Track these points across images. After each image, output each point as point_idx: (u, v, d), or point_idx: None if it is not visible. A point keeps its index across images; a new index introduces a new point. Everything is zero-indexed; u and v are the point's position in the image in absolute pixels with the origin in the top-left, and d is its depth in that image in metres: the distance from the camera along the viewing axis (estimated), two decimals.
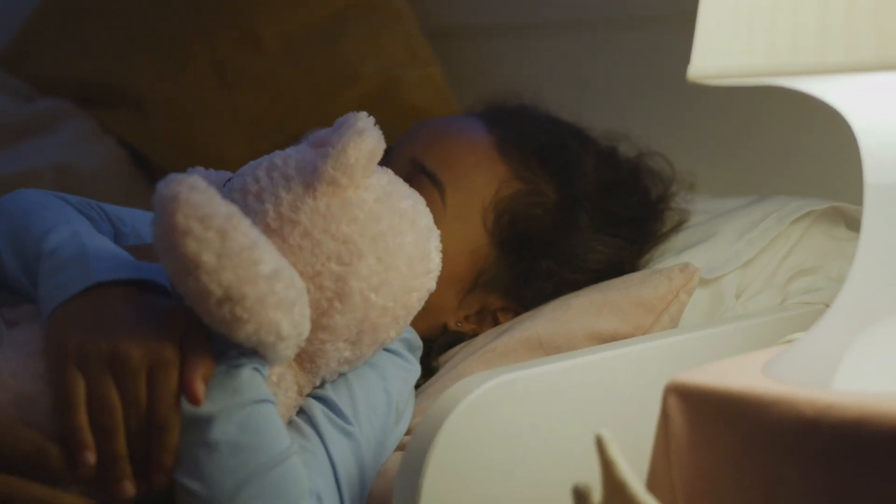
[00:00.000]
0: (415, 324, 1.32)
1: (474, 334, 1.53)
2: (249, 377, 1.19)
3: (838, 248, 1.57)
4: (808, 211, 1.57)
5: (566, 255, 1.52)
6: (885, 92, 1.06)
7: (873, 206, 1.10)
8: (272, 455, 1.17)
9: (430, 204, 1.29)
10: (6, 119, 2.03)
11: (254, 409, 1.18)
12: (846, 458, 0.99)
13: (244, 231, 1.12)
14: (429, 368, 1.47)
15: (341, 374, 1.28)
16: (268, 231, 1.19)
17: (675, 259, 1.54)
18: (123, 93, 2.08)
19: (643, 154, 1.64)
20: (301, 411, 1.26)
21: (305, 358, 1.24)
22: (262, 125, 2.05)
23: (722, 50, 1.06)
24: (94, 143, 2.03)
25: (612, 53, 2.03)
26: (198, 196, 1.11)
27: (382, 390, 1.30)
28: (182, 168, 1.33)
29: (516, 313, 1.52)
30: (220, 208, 1.12)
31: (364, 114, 1.21)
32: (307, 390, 1.27)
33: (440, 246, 1.28)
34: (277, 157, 1.24)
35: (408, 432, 1.33)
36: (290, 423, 1.25)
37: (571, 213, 1.53)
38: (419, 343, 1.40)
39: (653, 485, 1.12)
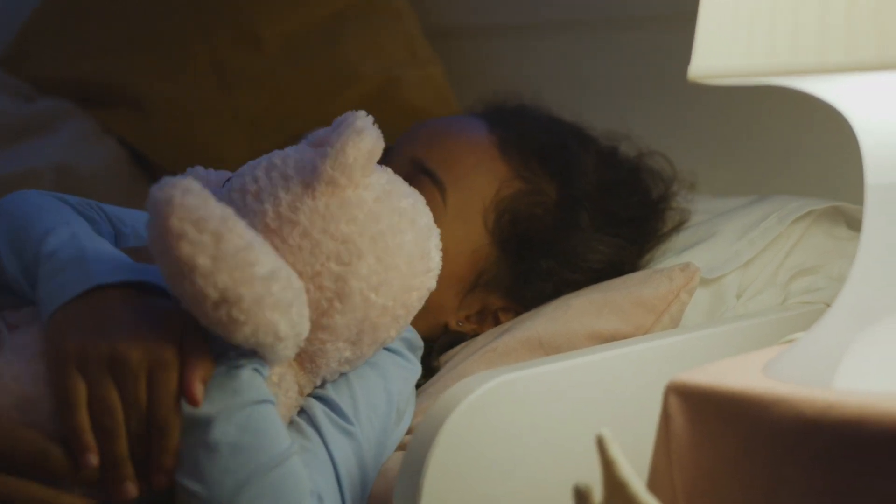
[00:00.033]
0: (416, 323, 1.32)
1: (475, 334, 1.53)
2: (249, 378, 1.19)
3: (839, 248, 1.57)
4: (808, 210, 1.57)
5: (567, 255, 1.52)
6: (885, 91, 1.06)
7: (874, 206, 1.10)
8: (272, 455, 1.17)
9: (430, 203, 1.29)
10: (6, 119, 2.03)
11: (254, 410, 1.18)
12: (847, 457, 0.99)
13: (239, 233, 1.12)
14: (430, 368, 1.47)
15: (342, 374, 1.28)
16: (267, 231, 1.19)
17: (675, 259, 1.54)
18: (123, 93, 2.08)
19: (644, 154, 1.64)
20: (302, 411, 1.26)
21: (306, 358, 1.24)
22: (262, 125, 2.05)
23: (722, 50, 1.06)
24: (94, 143, 2.03)
25: (612, 53, 2.03)
26: (192, 199, 1.11)
27: (383, 390, 1.30)
28: (182, 168, 1.33)
29: (517, 313, 1.52)
30: (215, 211, 1.12)
31: (363, 113, 1.21)
32: (308, 390, 1.26)
33: (440, 244, 1.28)
34: (276, 156, 1.23)
35: (409, 432, 1.33)
36: (290, 423, 1.25)
37: (572, 212, 1.53)
38: (420, 343, 1.40)
39: (654, 484, 1.12)
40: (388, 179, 1.25)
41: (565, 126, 1.62)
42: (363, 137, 1.19)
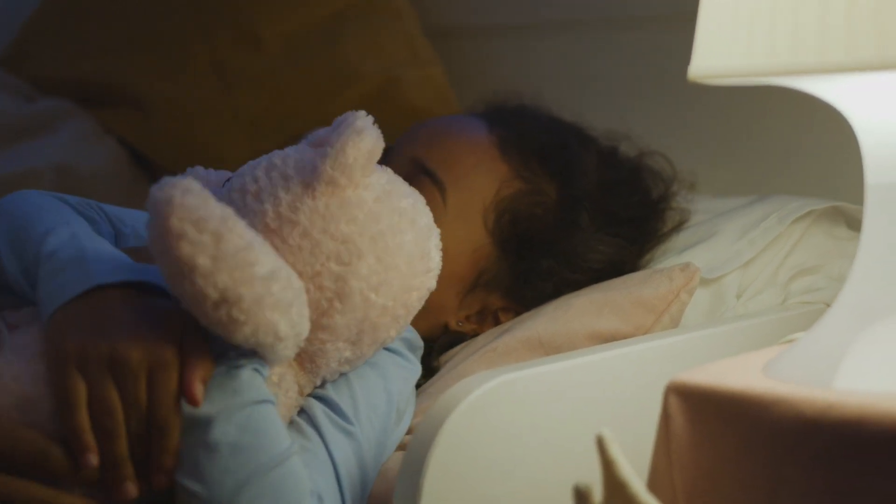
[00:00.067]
0: (416, 323, 1.32)
1: (475, 334, 1.53)
2: (249, 378, 1.18)
3: (839, 248, 1.57)
4: (808, 210, 1.57)
5: (567, 255, 1.52)
6: (885, 91, 1.06)
7: (874, 206, 1.10)
8: (272, 456, 1.17)
9: (430, 203, 1.29)
10: (6, 119, 2.03)
11: (254, 410, 1.18)
12: (847, 457, 0.99)
13: (239, 233, 1.12)
14: (430, 368, 1.47)
15: (342, 374, 1.28)
16: (267, 231, 1.19)
17: (675, 259, 1.54)
18: (124, 93, 2.08)
19: (644, 154, 1.64)
20: (302, 411, 1.26)
21: (306, 358, 1.24)
22: (263, 125, 2.05)
23: (722, 50, 1.06)
24: (94, 143, 2.03)
25: (612, 53, 2.03)
26: (192, 199, 1.11)
27: (383, 390, 1.30)
28: (182, 168, 1.33)
29: (517, 313, 1.52)
30: (215, 211, 1.12)
31: (363, 113, 1.21)
32: (308, 390, 1.26)
33: (440, 244, 1.28)
34: (276, 156, 1.23)
35: (409, 432, 1.33)
36: (290, 423, 1.25)
37: (572, 212, 1.53)
38: (420, 343, 1.40)
39: (654, 484, 1.12)
40: (388, 179, 1.25)
41: (565, 126, 1.62)
42: (363, 137, 1.19)
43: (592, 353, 1.31)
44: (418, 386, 1.41)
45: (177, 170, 1.33)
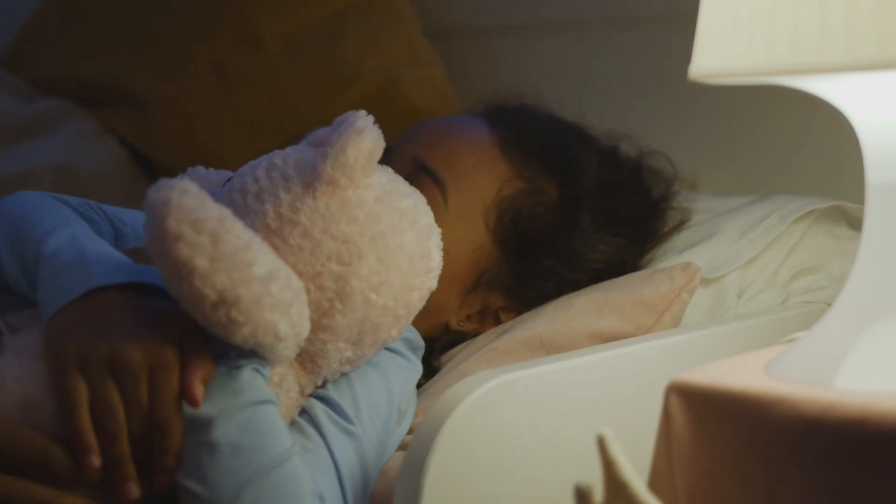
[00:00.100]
0: (416, 323, 1.32)
1: (476, 334, 1.53)
2: (250, 378, 1.18)
3: (840, 248, 1.57)
4: (809, 210, 1.57)
5: (568, 255, 1.52)
6: (885, 90, 1.06)
7: (875, 205, 1.10)
8: (273, 456, 1.17)
9: (431, 203, 1.29)
10: (7, 119, 2.03)
11: (254, 411, 1.18)
12: (848, 457, 0.99)
13: (237, 233, 1.12)
14: (431, 368, 1.47)
15: (343, 374, 1.28)
16: (267, 231, 1.19)
17: (676, 258, 1.54)
18: (124, 93, 2.08)
19: (644, 153, 1.64)
20: (303, 411, 1.26)
21: (307, 358, 1.24)
22: (263, 125, 2.05)
23: (723, 49, 1.06)
24: (94, 143, 2.03)
25: (613, 53, 2.03)
26: (189, 200, 1.11)
27: (384, 390, 1.30)
28: (183, 167, 1.33)
29: (518, 313, 1.52)
30: (212, 212, 1.11)
31: (363, 112, 1.21)
32: (309, 390, 1.26)
33: (441, 244, 1.28)
34: (277, 156, 1.23)
35: (410, 432, 1.33)
36: (292, 423, 1.25)
37: (573, 212, 1.53)
38: (421, 343, 1.40)
39: (654, 484, 1.12)
40: (388, 179, 1.25)
41: (566, 126, 1.62)
42: (364, 137, 1.19)
43: (593, 352, 1.31)
44: (419, 386, 1.41)
45: (177, 170, 1.33)
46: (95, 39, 2.14)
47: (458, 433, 1.16)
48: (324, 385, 1.27)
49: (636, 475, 0.99)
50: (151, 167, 2.06)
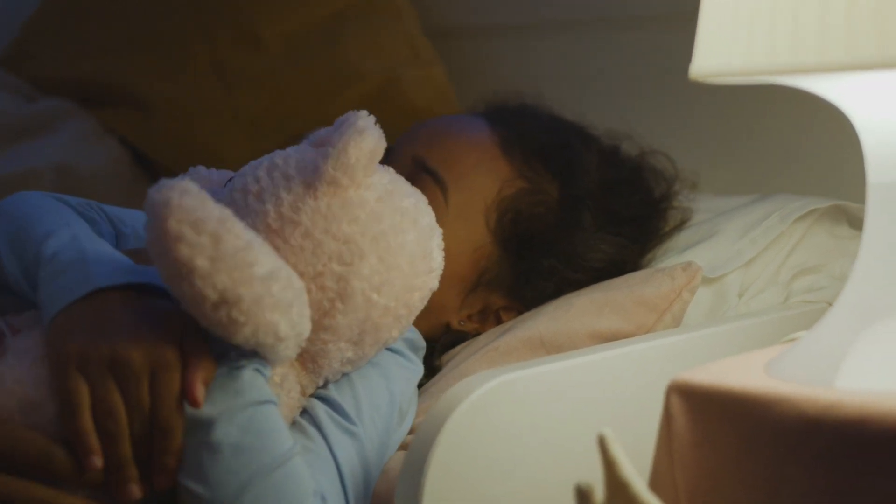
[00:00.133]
0: (417, 323, 1.32)
1: (477, 333, 1.53)
2: (251, 378, 1.18)
3: (841, 247, 1.57)
4: (810, 209, 1.57)
5: (568, 255, 1.52)
6: (886, 90, 1.06)
7: (875, 205, 1.10)
8: (275, 456, 1.17)
9: (432, 203, 1.29)
10: (7, 119, 2.03)
11: (255, 411, 1.17)
12: (848, 456, 0.99)
13: (237, 233, 1.12)
14: (431, 368, 1.47)
15: (344, 374, 1.28)
16: (269, 231, 1.19)
17: (677, 258, 1.54)
18: (124, 93, 2.08)
19: (645, 153, 1.64)
20: (304, 412, 1.26)
21: (308, 358, 1.24)
22: (263, 125, 2.05)
23: (723, 49, 1.06)
24: (94, 143, 2.03)
25: (613, 52, 2.03)
26: (189, 200, 1.11)
27: (385, 390, 1.30)
28: (183, 167, 1.33)
29: (519, 312, 1.52)
30: (213, 212, 1.11)
31: (364, 113, 1.21)
32: (310, 390, 1.26)
33: (442, 244, 1.28)
34: (278, 156, 1.23)
35: (411, 431, 1.33)
36: (293, 423, 1.25)
37: (574, 212, 1.53)
38: (422, 343, 1.40)
39: (655, 484, 1.12)
40: (390, 179, 1.25)
41: (567, 125, 1.61)
42: (365, 137, 1.19)
43: (594, 352, 1.31)
44: (420, 385, 1.41)
45: (177, 169, 1.33)
46: (96, 39, 2.14)
47: (459, 433, 1.16)
48: (325, 385, 1.27)
49: (637, 475, 0.99)
50: (152, 167, 2.06)
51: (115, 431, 1.15)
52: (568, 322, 1.42)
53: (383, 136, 1.21)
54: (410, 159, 1.50)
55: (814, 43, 1.01)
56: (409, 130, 1.57)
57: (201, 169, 1.31)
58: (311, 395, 1.27)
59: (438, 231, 1.28)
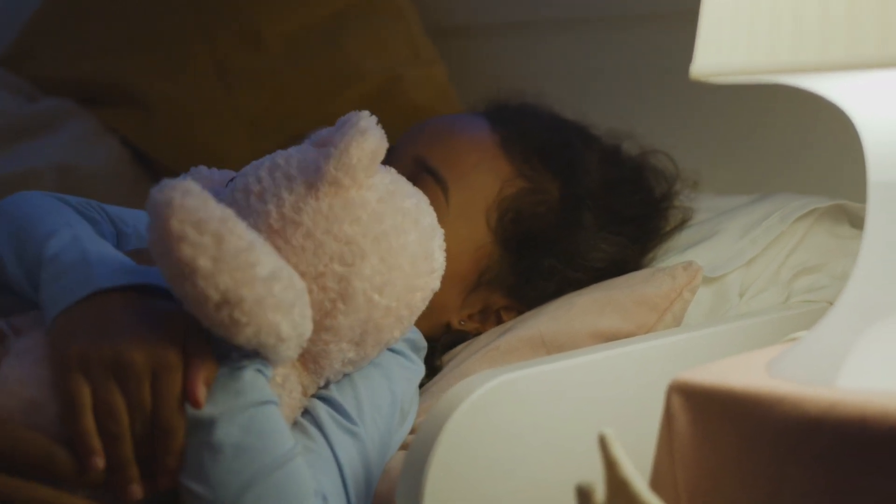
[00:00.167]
0: (418, 323, 1.32)
1: (477, 333, 1.53)
2: (252, 379, 1.18)
3: (842, 246, 1.57)
4: (811, 209, 1.57)
5: (569, 254, 1.52)
6: (887, 89, 1.06)
7: (876, 204, 1.10)
8: (276, 456, 1.17)
9: (433, 202, 1.29)
10: (8, 119, 2.03)
11: (257, 411, 1.17)
12: (849, 456, 0.99)
13: (240, 234, 1.12)
14: (432, 367, 1.47)
15: (346, 375, 1.27)
16: (270, 232, 1.19)
17: (678, 257, 1.54)
18: (124, 92, 2.08)
19: (646, 152, 1.64)
20: (306, 412, 1.26)
21: (309, 359, 1.24)
22: (264, 124, 2.05)
23: (724, 48, 1.06)
24: (95, 143, 2.03)
25: (614, 51, 2.03)
26: (192, 200, 1.11)
27: (387, 390, 1.30)
28: (184, 167, 1.33)
29: (519, 312, 1.52)
30: (215, 212, 1.11)
31: (366, 113, 1.21)
32: (311, 391, 1.26)
33: (444, 245, 1.28)
34: (280, 156, 1.23)
35: (412, 431, 1.33)
36: (294, 424, 1.25)
37: (575, 211, 1.53)
38: (423, 343, 1.40)
39: (656, 484, 1.12)
40: (391, 180, 1.25)
41: (568, 124, 1.61)
42: (367, 138, 1.19)
43: (595, 351, 1.31)
44: (421, 385, 1.40)
45: (178, 169, 1.33)
46: (96, 39, 2.14)
47: (460, 432, 1.16)
48: (326, 386, 1.27)
49: (638, 474, 0.99)
50: (152, 167, 2.06)
51: (117, 432, 1.15)
52: (569, 321, 1.42)
53: (385, 136, 1.21)
54: (411, 159, 1.50)
55: (815, 42, 1.01)
56: (410, 130, 1.57)
57: (203, 169, 1.31)
58: (313, 396, 1.27)
59: (440, 231, 1.28)
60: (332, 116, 1.26)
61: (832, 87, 1.08)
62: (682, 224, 1.61)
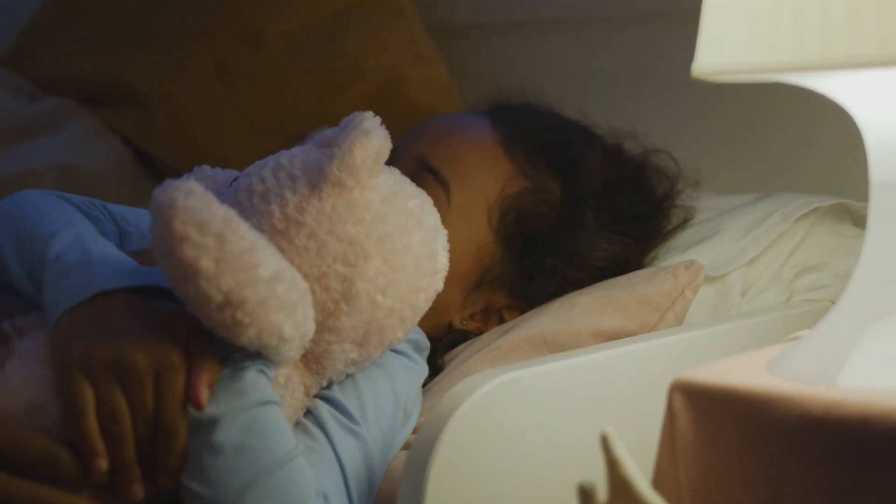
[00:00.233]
0: (420, 322, 1.32)
1: (479, 332, 1.53)
2: (254, 379, 1.18)
3: (844, 245, 1.56)
4: (813, 208, 1.57)
5: (571, 253, 1.52)
6: (889, 87, 1.06)
7: (878, 203, 1.10)
8: (277, 457, 1.17)
9: (434, 202, 1.29)
10: (8, 118, 2.03)
11: (258, 412, 1.17)
12: (851, 455, 0.99)
13: (242, 235, 1.12)
14: (434, 367, 1.47)
15: (348, 375, 1.27)
16: (273, 232, 1.19)
17: (680, 256, 1.54)
18: (125, 92, 2.08)
19: (648, 151, 1.64)
20: (308, 412, 1.26)
21: (312, 359, 1.23)
22: (265, 124, 2.05)
23: (726, 46, 1.06)
24: (96, 143, 2.03)
25: (616, 50, 2.03)
26: (194, 201, 1.11)
27: (390, 391, 1.30)
28: (185, 166, 1.33)
29: (521, 311, 1.52)
30: (218, 213, 1.11)
31: (370, 114, 1.21)
32: (314, 391, 1.26)
33: (447, 246, 1.28)
34: (283, 157, 1.23)
35: (414, 431, 1.33)
36: (297, 424, 1.24)
37: (577, 210, 1.53)
38: (426, 344, 1.40)
39: (658, 483, 1.12)
40: (395, 180, 1.25)
41: (570, 123, 1.61)
42: (370, 138, 1.19)
43: (596, 351, 1.31)
44: (423, 385, 1.40)
45: (179, 168, 1.33)
46: (97, 39, 2.14)
47: (462, 432, 1.16)
48: (329, 386, 1.27)
49: (640, 474, 0.99)
50: (153, 166, 2.06)
51: (119, 434, 1.15)
52: (571, 321, 1.42)
53: (388, 137, 1.20)
54: (412, 158, 1.50)
55: (816, 41, 1.01)
56: (411, 130, 1.57)
57: (206, 168, 1.31)
58: (315, 396, 1.27)
59: (443, 232, 1.28)
60: (333, 116, 1.26)
61: (834, 86, 1.08)
62: (683, 223, 1.61)
